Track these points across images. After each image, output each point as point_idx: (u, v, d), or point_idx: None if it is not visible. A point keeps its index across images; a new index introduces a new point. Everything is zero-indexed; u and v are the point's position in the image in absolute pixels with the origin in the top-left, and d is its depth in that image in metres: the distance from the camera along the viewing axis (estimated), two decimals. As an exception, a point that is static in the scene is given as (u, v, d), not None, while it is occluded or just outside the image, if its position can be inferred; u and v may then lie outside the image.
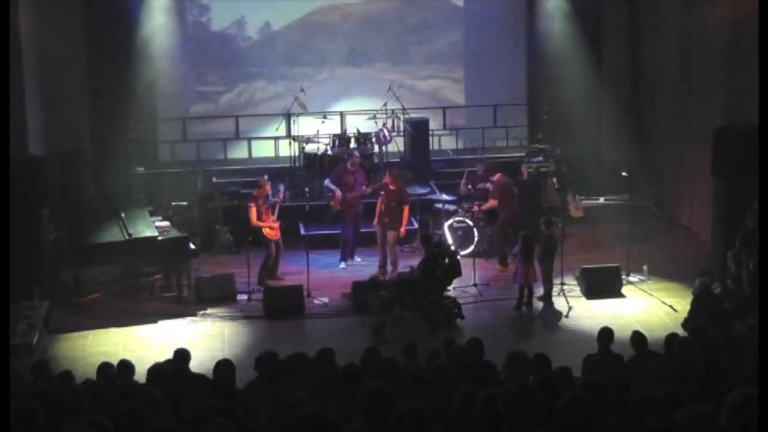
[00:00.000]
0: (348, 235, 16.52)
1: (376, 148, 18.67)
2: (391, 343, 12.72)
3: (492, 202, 16.44)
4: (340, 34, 21.27)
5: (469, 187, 17.21)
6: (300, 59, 21.19)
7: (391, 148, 18.94)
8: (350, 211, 16.38)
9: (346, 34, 21.27)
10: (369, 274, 15.55)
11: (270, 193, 15.99)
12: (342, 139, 18.47)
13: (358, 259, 16.69)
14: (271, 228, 15.60)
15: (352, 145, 18.33)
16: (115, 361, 9.34)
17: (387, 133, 18.52)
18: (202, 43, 20.97)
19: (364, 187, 16.50)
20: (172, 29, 20.04)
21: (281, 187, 16.26)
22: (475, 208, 16.69)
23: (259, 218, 15.54)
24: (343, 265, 16.55)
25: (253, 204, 15.60)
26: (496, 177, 16.51)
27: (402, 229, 15.79)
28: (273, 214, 15.72)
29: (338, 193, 16.29)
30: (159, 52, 19.70)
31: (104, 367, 9.27)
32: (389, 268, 15.51)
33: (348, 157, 16.77)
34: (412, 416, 5.38)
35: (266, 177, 16.41)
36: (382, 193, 15.79)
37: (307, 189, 17.39)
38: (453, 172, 19.43)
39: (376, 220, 15.89)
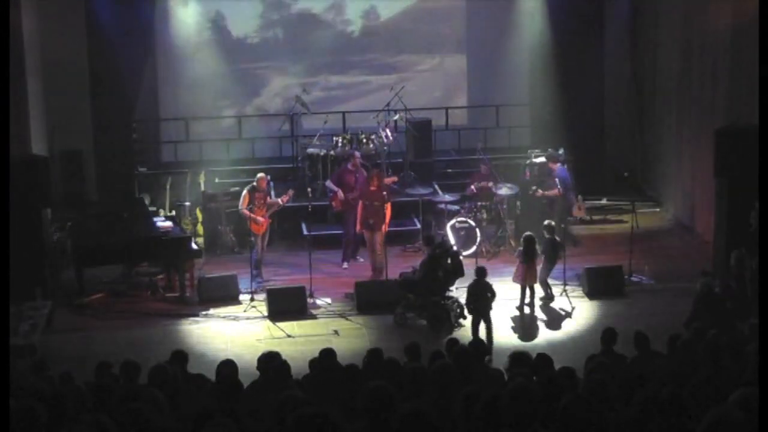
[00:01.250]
0: (349, 236, 16.54)
1: (377, 147, 18.62)
2: (393, 342, 12.74)
3: (556, 191, 16.66)
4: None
5: (472, 187, 17.22)
6: (406, 47, 20.97)
7: (394, 148, 18.93)
8: (351, 211, 16.41)
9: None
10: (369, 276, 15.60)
11: (272, 191, 15.97)
12: (344, 139, 18.47)
13: (360, 259, 16.69)
14: (256, 222, 15.60)
15: (354, 145, 18.33)
16: (116, 361, 9.33)
17: (389, 134, 18.52)
18: (284, 29, 20.70)
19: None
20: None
21: (291, 191, 16.20)
22: (539, 193, 16.81)
23: (249, 210, 15.55)
24: (345, 265, 16.57)
25: (247, 192, 15.62)
26: (557, 167, 16.84)
27: (384, 228, 15.74)
28: (267, 211, 15.72)
29: (340, 193, 16.33)
30: (207, 42, 19.79)
31: (102, 367, 9.23)
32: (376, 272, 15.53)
33: (349, 158, 16.80)
34: (415, 417, 5.38)
35: (269, 177, 16.38)
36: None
37: (309, 189, 17.39)
38: (456, 173, 19.45)
39: (359, 226, 15.72)
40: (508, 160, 19.01)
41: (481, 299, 13.13)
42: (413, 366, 8.24)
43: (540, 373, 7.65)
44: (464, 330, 13.63)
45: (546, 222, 15.27)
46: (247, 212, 15.57)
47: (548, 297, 14.74)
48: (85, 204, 18.74)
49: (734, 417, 5.37)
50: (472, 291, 13.23)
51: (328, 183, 16.85)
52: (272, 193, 16.93)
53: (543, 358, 8.42)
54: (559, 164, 17.05)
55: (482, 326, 13.06)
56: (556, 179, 16.83)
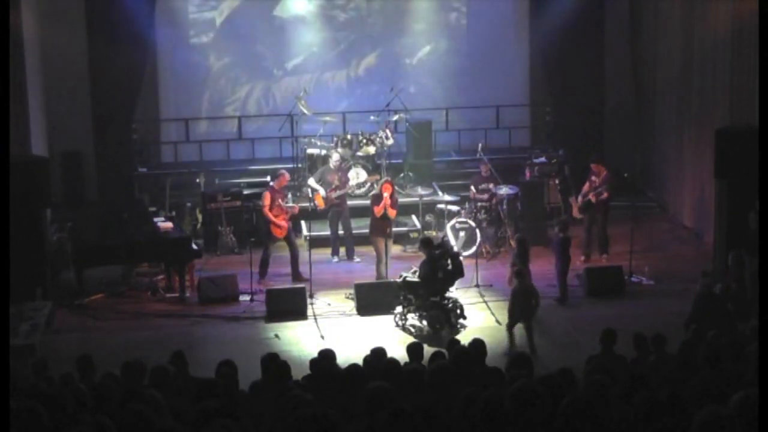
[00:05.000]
0: (335, 233, 16.70)
1: (378, 149, 18.61)
2: (393, 342, 12.75)
3: (607, 194, 16.34)
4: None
5: (472, 188, 17.22)
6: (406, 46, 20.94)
7: (394, 148, 18.93)
8: (335, 209, 16.49)
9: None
10: (371, 276, 15.57)
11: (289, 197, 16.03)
12: (344, 139, 18.47)
13: (357, 259, 16.72)
14: (278, 226, 15.62)
15: (355, 146, 18.35)
16: (116, 361, 9.29)
17: (389, 134, 18.52)
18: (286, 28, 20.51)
19: (348, 184, 16.66)
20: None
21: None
22: (593, 198, 16.39)
23: (270, 210, 15.57)
24: (335, 258, 16.70)
25: (269, 192, 15.62)
26: (606, 173, 16.45)
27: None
28: (286, 213, 15.77)
29: (322, 192, 16.45)
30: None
31: (83, 360, 9.12)
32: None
33: (332, 157, 16.91)
34: (398, 416, 5.40)
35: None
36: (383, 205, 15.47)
37: (309, 190, 17.41)
38: (455, 173, 19.44)
39: (377, 232, 15.53)
40: (508, 161, 19.02)
41: (526, 302, 13.18)
42: (413, 366, 8.25)
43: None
44: (464, 330, 13.64)
45: (558, 221, 15.33)
46: (271, 216, 15.56)
47: (563, 298, 14.73)
48: (85, 204, 18.73)
49: (725, 417, 5.37)
50: (517, 293, 13.30)
51: (311, 181, 16.91)
52: (288, 197, 16.98)
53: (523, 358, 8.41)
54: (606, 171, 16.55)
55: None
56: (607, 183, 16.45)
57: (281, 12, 20.44)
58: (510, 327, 13.19)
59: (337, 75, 20.86)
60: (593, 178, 16.56)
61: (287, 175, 16.13)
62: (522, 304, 13.20)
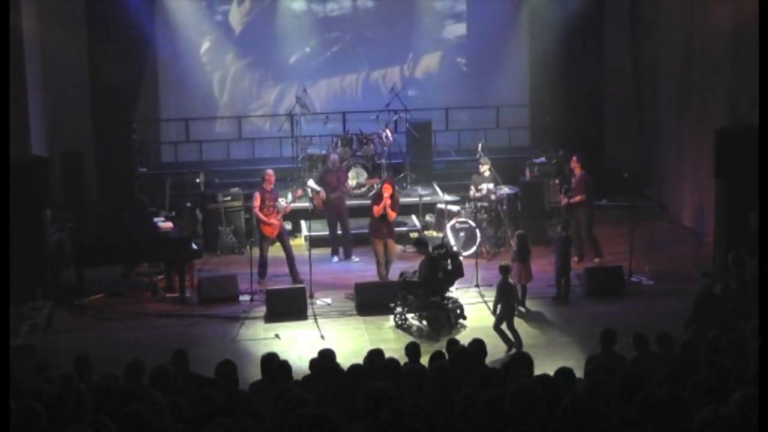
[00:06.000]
0: (334, 234, 16.76)
1: (378, 149, 18.63)
2: (393, 342, 12.76)
3: (580, 197, 16.38)
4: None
5: (472, 188, 17.23)
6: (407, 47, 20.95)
7: (394, 148, 18.93)
8: (333, 210, 16.52)
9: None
10: (370, 275, 15.57)
11: (276, 192, 16.02)
12: (344, 140, 18.48)
13: (356, 259, 16.72)
14: (269, 224, 15.61)
15: (356, 146, 18.35)
16: (115, 361, 9.30)
17: (389, 134, 18.53)
18: (285, 27, 20.48)
19: (347, 184, 16.76)
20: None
21: (299, 191, 16.46)
22: (564, 200, 16.59)
23: (260, 209, 15.58)
24: (335, 258, 16.73)
25: (258, 193, 15.65)
26: (581, 173, 16.52)
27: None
28: (278, 213, 15.75)
29: (322, 193, 16.48)
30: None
31: (78, 360, 9.11)
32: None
33: (329, 158, 16.98)
34: (398, 416, 5.40)
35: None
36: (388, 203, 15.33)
37: (309, 189, 17.42)
38: (455, 173, 19.44)
39: (375, 233, 15.43)
40: (508, 161, 19.02)
41: (509, 299, 13.25)
42: (413, 366, 8.25)
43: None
44: (464, 330, 13.65)
45: (561, 219, 15.35)
46: (261, 215, 15.57)
47: (564, 297, 14.74)
48: (85, 204, 18.75)
49: (725, 416, 5.38)
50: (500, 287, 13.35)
51: (311, 183, 16.95)
52: (276, 193, 16.97)
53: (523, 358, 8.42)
54: (583, 171, 16.59)
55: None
56: (583, 185, 16.49)
57: (280, 11, 20.45)
58: (497, 327, 13.15)
59: (336, 73, 20.86)
60: (572, 179, 16.71)
61: (272, 173, 16.12)
62: (503, 301, 13.21)
